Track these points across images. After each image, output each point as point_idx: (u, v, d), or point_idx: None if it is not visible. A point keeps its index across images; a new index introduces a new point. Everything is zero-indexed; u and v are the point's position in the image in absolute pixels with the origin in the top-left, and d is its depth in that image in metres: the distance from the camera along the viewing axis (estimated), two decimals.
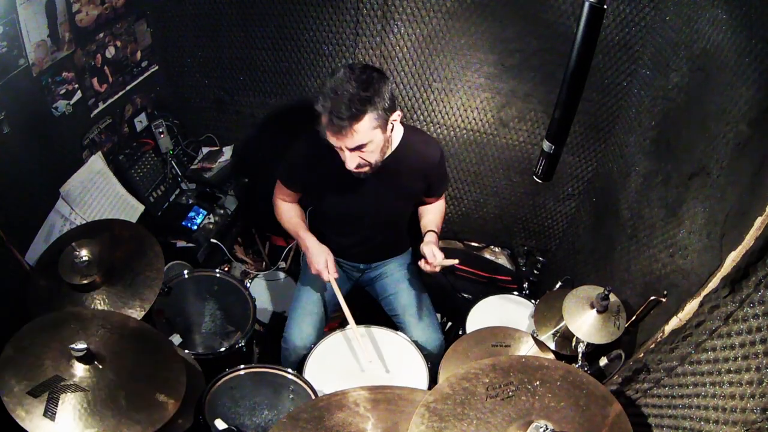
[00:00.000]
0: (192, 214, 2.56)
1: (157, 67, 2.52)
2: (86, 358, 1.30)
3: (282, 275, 2.81)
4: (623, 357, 1.57)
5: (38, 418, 1.23)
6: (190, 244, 2.49)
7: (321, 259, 2.01)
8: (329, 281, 2.01)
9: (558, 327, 1.81)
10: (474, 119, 2.43)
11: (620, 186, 2.04)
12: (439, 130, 2.50)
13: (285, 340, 2.07)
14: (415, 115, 2.47)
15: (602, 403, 1.18)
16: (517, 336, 1.89)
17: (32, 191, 1.92)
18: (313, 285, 2.17)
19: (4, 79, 1.70)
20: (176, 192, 2.64)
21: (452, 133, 2.49)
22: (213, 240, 2.55)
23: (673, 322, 1.34)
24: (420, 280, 2.25)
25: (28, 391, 1.26)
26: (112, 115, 2.28)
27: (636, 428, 1.16)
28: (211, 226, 2.59)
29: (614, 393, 1.32)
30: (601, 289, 1.62)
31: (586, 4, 1.24)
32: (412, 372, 1.89)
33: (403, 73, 2.36)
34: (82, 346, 1.27)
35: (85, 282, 1.62)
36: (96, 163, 2.20)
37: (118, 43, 2.23)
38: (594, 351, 1.69)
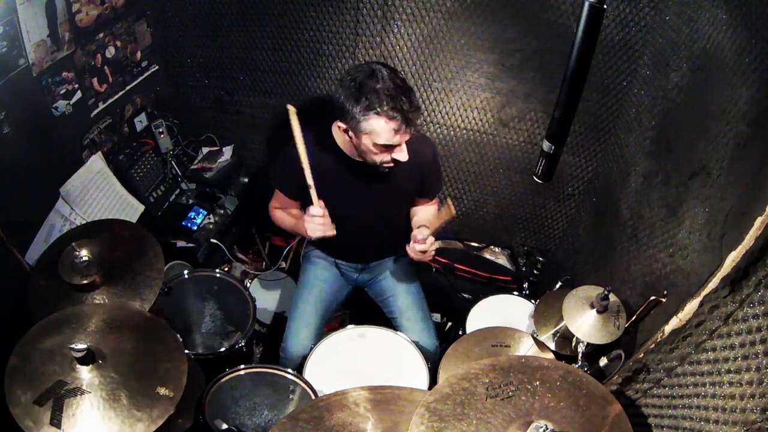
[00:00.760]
0: (192, 214, 2.56)
1: (157, 67, 2.52)
2: (87, 359, 1.30)
3: (282, 275, 2.81)
4: (623, 357, 1.57)
5: (46, 427, 1.23)
6: (190, 244, 2.49)
7: (317, 224, 1.87)
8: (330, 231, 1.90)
9: (558, 327, 1.81)
10: (474, 119, 2.43)
11: (620, 186, 2.04)
12: (439, 130, 2.50)
13: (283, 350, 2.07)
14: None
15: (602, 403, 1.18)
16: (517, 336, 1.89)
17: (32, 191, 1.92)
18: (310, 292, 2.17)
19: (4, 79, 1.70)
20: (176, 192, 2.64)
21: (452, 133, 2.49)
22: (213, 240, 2.55)
23: (673, 322, 1.34)
24: (418, 282, 2.25)
25: (34, 401, 1.26)
26: (112, 115, 2.28)
27: (636, 428, 1.16)
28: (211, 226, 2.59)
29: (614, 393, 1.32)
30: (601, 289, 1.62)
31: (586, 4, 1.24)
32: (412, 372, 1.89)
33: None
34: (82, 346, 1.27)
35: (85, 282, 1.61)
36: (96, 163, 2.20)
37: (118, 43, 2.23)
38: (594, 351, 1.69)
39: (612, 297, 1.62)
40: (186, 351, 1.77)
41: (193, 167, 2.70)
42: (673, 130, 1.71)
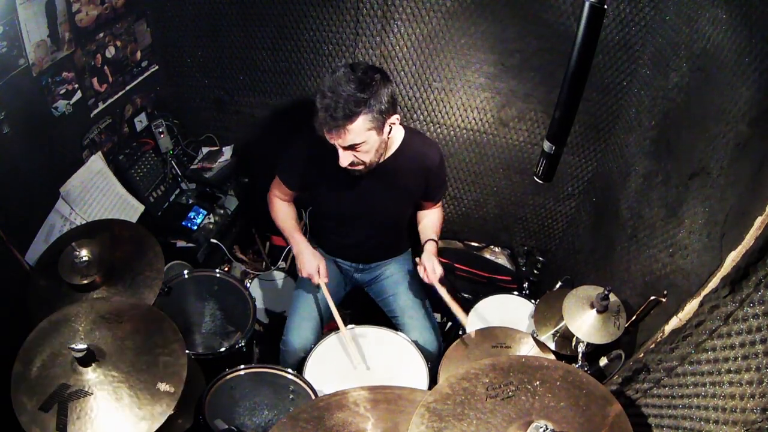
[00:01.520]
0: (192, 214, 2.56)
1: (157, 67, 2.52)
2: (87, 359, 1.30)
3: (282, 275, 2.81)
4: (623, 357, 1.57)
5: None
6: (190, 244, 2.49)
7: (313, 263, 2.03)
8: (320, 285, 2.02)
9: (558, 327, 1.81)
10: (474, 119, 2.43)
11: (620, 186, 2.04)
12: (439, 130, 2.50)
13: (284, 343, 2.08)
14: (415, 115, 2.47)
15: (602, 403, 1.18)
16: (517, 336, 1.89)
17: (32, 191, 1.92)
18: (310, 287, 2.18)
19: (4, 79, 1.70)
20: (176, 192, 2.64)
21: (452, 133, 2.49)
22: (213, 240, 2.55)
23: (673, 322, 1.34)
24: (419, 282, 2.25)
25: (39, 407, 1.26)
26: (112, 115, 2.28)
27: (636, 428, 1.16)
28: (211, 226, 2.59)
29: (614, 393, 1.32)
30: (601, 289, 1.62)
31: (587, 4, 1.24)
32: (412, 372, 1.89)
33: (403, 73, 2.36)
34: (81, 346, 1.27)
35: (85, 282, 1.61)
36: (96, 163, 2.20)
37: (118, 43, 2.23)
38: (594, 351, 1.69)
39: (612, 297, 1.62)
40: (186, 351, 1.77)
41: (193, 167, 2.70)
42: (673, 130, 1.71)
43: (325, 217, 2.20)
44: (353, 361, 1.89)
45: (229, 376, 1.74)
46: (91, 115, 2.17)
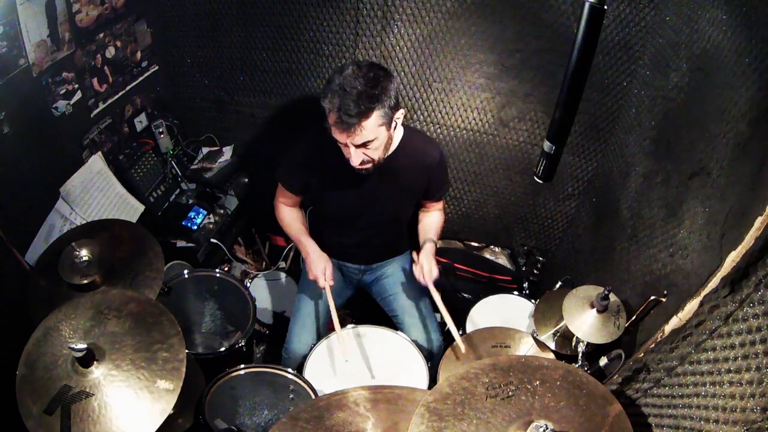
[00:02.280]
0: (192, 214, 2.56)
1: (157, 67, 2.52)
2: (87, 359, 1.29)
3: (282, 275, 2.81)
4: (623, 357, 1.57)
5: None
6: (190, 244, 2.49)
7: (320, 265, 2.01)
8: (324, 288, 2.01)
9: (558, 327, 1.81)
10: (474, 119, 2.43)
11: (620, 186, 2.04)
12: (439, 130, 2.50)
13: (286, 350, 2.08)
14: (415, 115, 2.47)
15: (602, 403, 1.18)
16: (517, 336, 1.89)
17: (32, 191, 1.92)
18: (313, 291, 2.18)
19: (4, 79, 1.70)
20: (176, 192, 2.64)
21: (452, 133, 2.49)
22: (213, 240, 2.55)
23: (673, 322, 1.34)
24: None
25: (44, 410, 1.26)
26: (112, 115, 2.28)
27: (636, 428, 1.16)
28: (211, 226, 2.59)
29: (614, 393, 1.32)
30: (601, 289, 1.62)
31: (586, 5, 1.24)
32: (412, 372, 1.89)
33: (403, 73, 2.36)
34: (81, 346, 1.26)
35: (85, 282, 1.61)
36: (96, 163, 2.20)
37: (118, 43, 2.23)
38: (594, 351, 1.69)
39: (612, 297, 1.62)
40: (186, 351, 1.77)
41: (193, 167, 2.70)
42: (673, 130, 1.71)
43: (326, 218, 2.20)
44: (360, 361, 1.89)
45: (229, 376, 1.74)
46: (91, 115, 2.17)
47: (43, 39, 1.82)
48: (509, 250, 2.79)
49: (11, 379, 1.31)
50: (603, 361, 1.67)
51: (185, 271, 2.14)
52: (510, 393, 1.16)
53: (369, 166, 1.81)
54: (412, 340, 1.98)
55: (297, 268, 2.60)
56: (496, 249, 2.79)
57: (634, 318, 1.62)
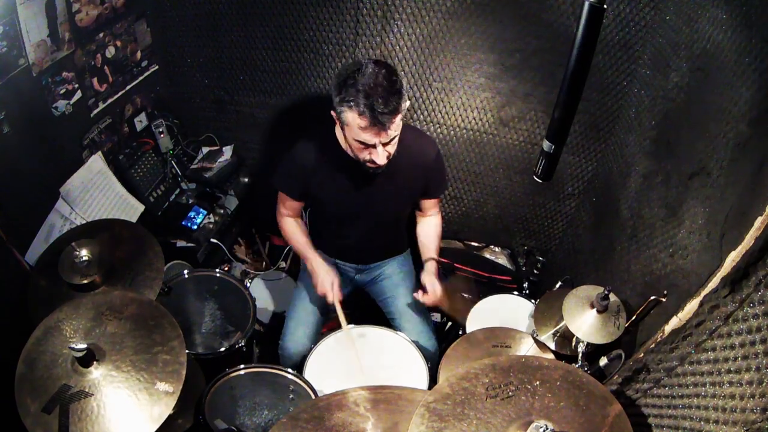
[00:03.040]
0: (192, 214, 2.56)
1: (157, 67, 2.52)
2: (87, 359, 1.30)
3: (282, 275, 2.81)
4: (623, 357, 1.57)
5: None
6: (190, 244, 2.49)
7: (328, 280, 2.02)
8: (333, 303, 2.01)
9: (558, 327, 1.81)
10: (474, 119, 2.43)
11: (620, 186, 2.04)
12: (439, 130, 2.50)
13: (281, 347, 2.09)
14: (415, 115, 2.47)
15: (602, 403, 1.18)
16: (517, 336, 1.89)
17: (32, 191, 1.92)
18: (309, 291, 2.18)
19: (4, 79, 1.70)
20: (176, 192, 2.64)
21: (452, 133, 2.49)
22: (213, 240, 2.55)
23: (673, 322, 1.34)
24: (417, 284, 2.25)
25: (42, 409, 1.26)
26: (112, 115, 2.28)
27: (636, 428, 1.16)
28: (211, 226, 2.59)
29: (614, 393, 1.32)
30: (601, 289, 1.62)
31: (586, 4, 1.24)
32: (412, 372, 1.89)
33: (403, 73, 2.36)
34: (81, 345, 1.27)
35: (85, 282, 1.61)
36: (96, 163, 2.20)
37: (118, 43, 2.23)
38: (594, 351, 1.69)
39: (612, 297, 1.62)
40: (186, 351, 1.77)
41: (193, 167, 2.70)
42: (673, 130, 1.71)
43: (325, 218, 2.20)
44: (360, 361, 1.90)
45: (229, 376, 1.74)
46: (91, 115, 2.17)
47: (43, 39, 1.82)
48: (509, 250, 2.79)
49: (11, 379, 1.31)
50: (603, 361, 1.67)
51: (185, 271, 2.14)
52: (510, 393, 1.16)
53: (385, 163, 1.81)
54: (412, 341, 1.99)
55: (297, 268, 2.59)
56: (496, 249, 2.79)
57: (634, 318, 1.62)
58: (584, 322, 1.63)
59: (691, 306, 1.28)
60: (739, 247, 1.16)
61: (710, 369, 1.14)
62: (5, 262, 1.77)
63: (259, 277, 2.81)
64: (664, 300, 1.52)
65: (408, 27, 2.24)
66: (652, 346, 1.40)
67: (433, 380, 1.86)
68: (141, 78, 2.43)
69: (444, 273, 2.44)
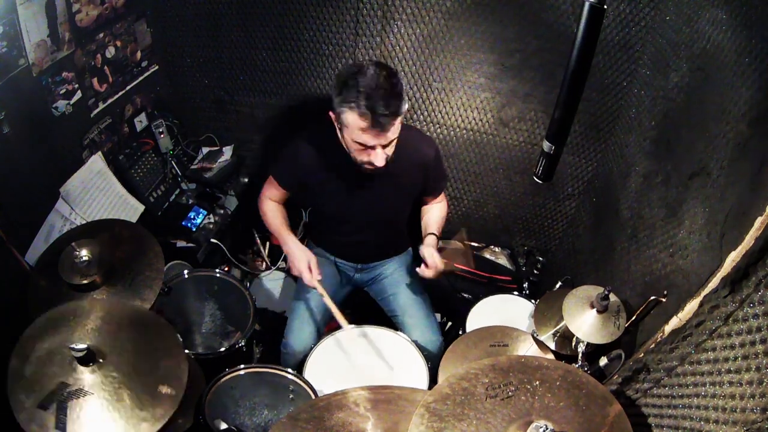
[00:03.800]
0: (192, 214, 2.56)
1: (157, 67, 2.52)
2: (87, 359, 1.29)
3: (282, 275, 2.81)
4: (623, 357, 1.57)
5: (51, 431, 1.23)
6: (190, 244, 2.49)
7: (303, 261, 1.99)
8: (312, 284, 1.99)
9: (558, 327, 1.81)
10: (474, 119, 2.43)
11: (620, 186, 2.04)
12: (439, 130, 2.50)
13: (284, 345, 2.08)
14: (415, 115, 2.48)
15: (602, 403, 1.18)
16: (516, 336, 1.89)
17: (32, 191, 1.92)
18: (310, 288, 2.17)
19: (4, 79, 1.70)
20: (176, 192, 2.64)
21: (452, 133, 2.49)
22: (213, 240, 2.55)
23: (673, 322, 1.34)
24: (419, 280, 2.25)
25: (38, 405, 1.25)
26: (112, 115, 2.28)
27: (636, 428, 1.16)
28: (211, 226, 2.59)
29: (614, 393, 1.32)
30: (601, 289, 1.62)
31: (586, 4, 1.24)
32: (412, 372, 1.89)
33: (403, 73, 2.36)
34: (82, 346, 1.26)
35: (85, 282, 1.61)
36: (96, 163, 2.20)
37: (118, 43, 2.23)
38: (594, 351, 1.69)
39: (612, 297, 1.62)
40: (186, 351, 1.78)
41: (193, 167, 2.70)
42: (673, 130, 1.71)
43: (325, 218, 2.20)
44: (360, 361, 1.89)
45: (229, 376, 1.74)
46: (91, 115, 2.17)
47: (43, 39, 1.82)
48: (509, 250, 2.79)
49: (8, 375, 1.31)
50: (603, 361, 1.67)
51: (185, 271, 2.14)
52: (510, 393, 1.16)
53: (385, 165, 1.81)
54: (413, 341, 1.98)
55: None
56: (496, 249, 2.79)
57: (634, 318, 1.62)
58: (584, 322, 1.63)
59: (691, 306, 1.28)
60: (739, 247, 1.16)
61: (710, 369, 1.14)
62: (5, 262, 1.77)
63: (259, 277, 2.81)
64: (664, 300, 1.52)
65: (408, 27, 2.24)
66: (652, 346, 1.40)
67: (433, 380, 1.85)
68: (141, 78, 2.43)
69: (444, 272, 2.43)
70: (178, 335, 1.49)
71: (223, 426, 1.66)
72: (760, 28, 1.28)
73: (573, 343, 1.73)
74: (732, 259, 1.18)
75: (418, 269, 1.99)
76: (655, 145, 1.81)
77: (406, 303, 2.16)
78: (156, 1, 2.40)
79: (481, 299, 2.20)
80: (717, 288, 1.20)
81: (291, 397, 1.76)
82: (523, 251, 2.79)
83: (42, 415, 1.24)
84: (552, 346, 1.81)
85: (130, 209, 2.35)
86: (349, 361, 1.90)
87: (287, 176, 2.07)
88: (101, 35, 2.12)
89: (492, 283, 2.60)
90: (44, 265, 1.75)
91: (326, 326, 2.22)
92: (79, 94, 2.05)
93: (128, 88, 2.36)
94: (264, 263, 2.96)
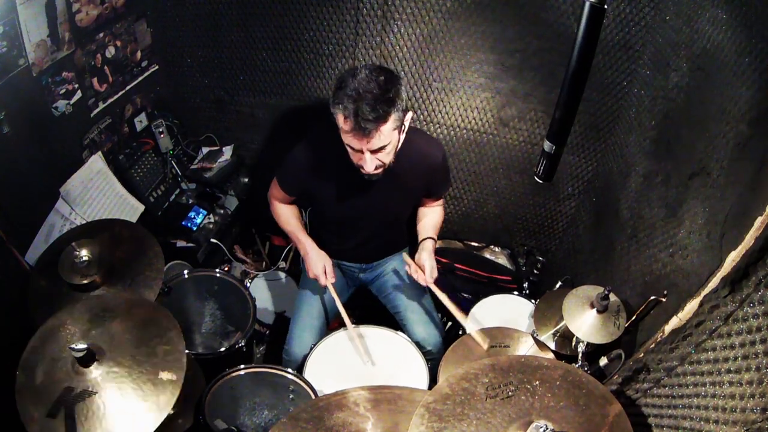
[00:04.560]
0: (192, 214, 2.56)
1: (157, 67, 2.52)
2: (87, 358, 1.30)
3: (282, 275, 2.81)
4: (623, 357, 1.57)
5: None
6: (190, 244, 2.49)
7: (319, 264, 2.01)
8: (326, 286, 2.01)
9: (558, 327, 1.81)
10: (474, 119, 2.43)
11: (620, 186, 2.04)
12: (439, 130, 2.50)
13: (286, 352, 2.07)
14: (415, 115, 2.47)
15: (602, 403, 1.18)
16: (516, 336, 1.89)
17: (32, 191, 1.92)
18: (312, 291, 2.18)
19: (4, 79, 1.70)
20: (176, 192, 2.64)
21: (452, 133, 2.49)
22: (213, 240, 2.55)
23: (673, 322, 1.34)
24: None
25: (47, 415, 1.25)
26: (112, 115, 2.28)
27: (636, 428, 1.16)
28: (211, 226, 2.59)
29: (614, 393, 1.32)
30: (601, 289, 1.62)
31: (587, 4, 1.24)
32: (412, 372, 1.89)
33: (403, 73, 2.36)
34: (82, 345, 1.26)
35: (85, 282, 1.61)
36: (96, 163, 2.20)
37: (118, 43, 2.23)
38: (594, 351, 1.69)
39: (612, 297, 1.62)
40: (186, 351, 1.77)
41: (193, 167, 2.70)
42: (673, 130, 1.71)
43: (326, 220, 2.20)
44: (361, 358, 1.90)
45: (229, 376, 1.74)
46: (91, 115, 2.17)
47: (43, 39, 1.82)
48: (509, 250, 2.79)
49: (11, 380, 1.31)
50: (603, 361, 1.67)
51: (185, 271, 2.14)
52: (510, 393, 1.16)
53: (380, 171, 1.80)
54: (413, 340, 1.98)
55: (297, 269, 2.60)
56: (496, 249, 2.79)
57: (634, 318, 1.62)
58: (584, 322, 1.63)
59: (691, 306, 1.28)
60: (739, 247, 1.16)
61: (710, 369, 1.14)
62: (5, 262, 1.77)
63: (259, 277, 2.81)
64: (664, 300, 1.52)
65: (408, 27, 2.24)
66: (652, 346, 1.40)
67: (433, 380, 1.86)
68: (141, 78, 2.43)
69: (444, 272, 2.43)
70: (170, 314, 1.48)
71: (223, 426, 1.67)
72: (760, 28, 1.28)
73: (573, 343, 1.73)
74: (732, 258, 1.18)
75: (413, 274, 2.00)
76: (655, 145, 1.81)
77: (408, 299, 2.16)
78: (156, 1, 2.39)
79: (481, 299, 2.20)
80: (717, 288, 1.20)
81: (291, 397, 1.76)
82: (523, 251, 2.79)
83: (52, 424, 1.25)
84: (552, 345, 1.81)
85: (130, 209, 2.35)
86: (350, 361, 1.91)
87: (291, 183, 2.06)
88: (101, 35, 2.12)
89: (492, 283, 2.60)
90: (44, 265, 1.75)
91: (328, 328, 2.22)
92: (79, 94, 2.05)
93: (128, 88, 2.36)
94: (264, 263, 2.97)
